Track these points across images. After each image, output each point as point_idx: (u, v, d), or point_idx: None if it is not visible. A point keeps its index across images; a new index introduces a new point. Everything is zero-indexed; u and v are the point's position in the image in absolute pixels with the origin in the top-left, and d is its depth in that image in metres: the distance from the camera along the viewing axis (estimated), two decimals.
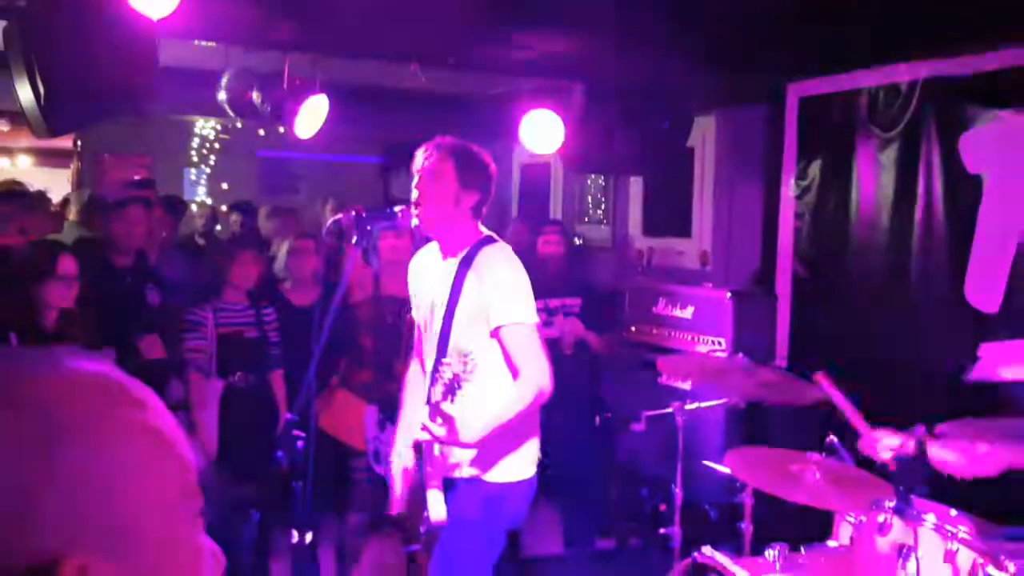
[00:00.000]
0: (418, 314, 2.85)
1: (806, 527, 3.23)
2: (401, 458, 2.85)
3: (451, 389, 2.37)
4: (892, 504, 2.59)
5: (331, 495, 3.93)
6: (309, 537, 3.03)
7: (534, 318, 2.62)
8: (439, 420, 2.38)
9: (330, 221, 2.79)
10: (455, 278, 2.64)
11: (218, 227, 7.33)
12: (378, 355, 4.11)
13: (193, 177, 8.80)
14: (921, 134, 4.23)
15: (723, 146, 5.88)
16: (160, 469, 0.70)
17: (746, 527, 3.43)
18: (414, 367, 2.96)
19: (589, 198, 7.33)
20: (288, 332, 4.16)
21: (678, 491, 3.52)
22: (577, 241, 6.90)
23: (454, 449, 2.61)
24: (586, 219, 7.35)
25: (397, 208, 2.71)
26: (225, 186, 8.82)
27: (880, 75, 4.46)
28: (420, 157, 2.69)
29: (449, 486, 2.65)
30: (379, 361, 4.09)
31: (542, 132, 5.23)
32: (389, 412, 3.83)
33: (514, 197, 8.26)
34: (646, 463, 4.78)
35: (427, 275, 2.82)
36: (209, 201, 8.52)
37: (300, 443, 2.61)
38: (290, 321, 4.20)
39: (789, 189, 5.03)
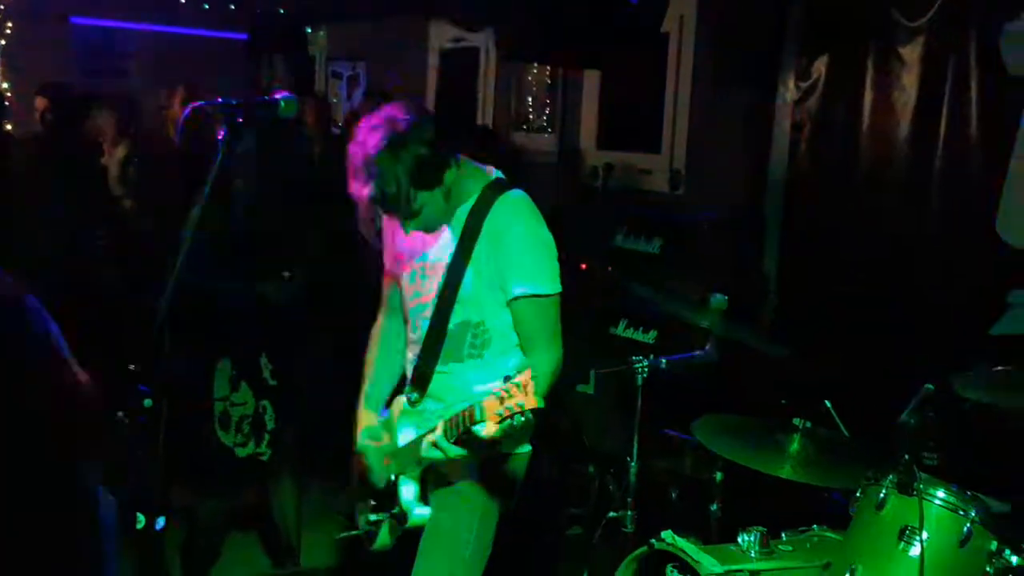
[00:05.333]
0: (398, 271, 3.05)
1: (789, 507, 3.53)
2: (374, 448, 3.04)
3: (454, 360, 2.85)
4: (893, 479, 2.88)
5: (187, 470, 4.07)
6: (161, 523, 3.14)
7: (559, 287, 2.85)
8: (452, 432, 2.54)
9: (187, 110, 2.88)
10: (462, 235, 2.84)
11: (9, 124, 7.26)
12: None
13: None
14: (954, 24, 4.49)
15: (706, 33, 6.06)
16: None
17: (716, 509, 3.74)
18: (384, 322, 3.21)
19: (530, 98, 7.49)
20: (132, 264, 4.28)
21: (634, 466, 3.73)
22: (511, 154, 7.03)
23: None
24: (524, 126, 7.53)
25: (280, 97, 2.77)
26: (23, 64, 8.71)
27: None
28: (354, 183, 2.72)
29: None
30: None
31: (470, 4, 5.27)
32: (243, 366, 4.17)
33: (429, 94, 8.36)
34: (594, 432, 5.01)
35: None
36: (3, 85, 8.40)
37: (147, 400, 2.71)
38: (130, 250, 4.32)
39: (787, 91, 5.27)
